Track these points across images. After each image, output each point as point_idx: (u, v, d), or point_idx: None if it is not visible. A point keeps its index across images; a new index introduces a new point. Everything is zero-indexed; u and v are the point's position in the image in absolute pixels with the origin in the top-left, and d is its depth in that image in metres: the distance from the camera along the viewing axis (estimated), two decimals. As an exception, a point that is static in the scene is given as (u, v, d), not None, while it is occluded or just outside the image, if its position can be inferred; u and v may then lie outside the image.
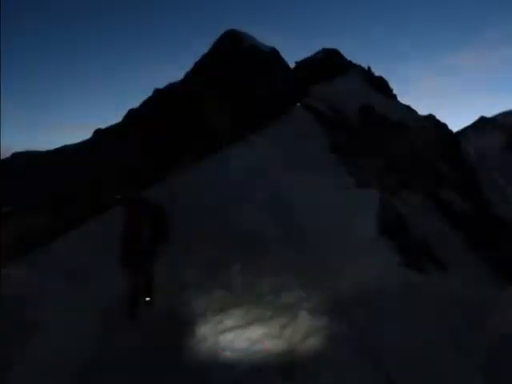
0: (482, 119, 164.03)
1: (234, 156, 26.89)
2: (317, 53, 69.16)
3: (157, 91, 56.52)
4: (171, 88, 54.28)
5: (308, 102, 45.71)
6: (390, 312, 6.64)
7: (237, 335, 7.58)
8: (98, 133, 53.54)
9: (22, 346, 9.39)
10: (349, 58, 70.59)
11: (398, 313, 6.53)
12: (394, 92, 71.29)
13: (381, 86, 65.16)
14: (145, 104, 55.72)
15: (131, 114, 53.40)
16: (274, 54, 59.02)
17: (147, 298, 9.93)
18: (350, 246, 11.72)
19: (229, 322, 8.25)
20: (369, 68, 68.61)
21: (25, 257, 19.83)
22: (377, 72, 66.35)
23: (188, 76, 56.27)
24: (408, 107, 69.03)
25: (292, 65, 65.62)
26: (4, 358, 8.91)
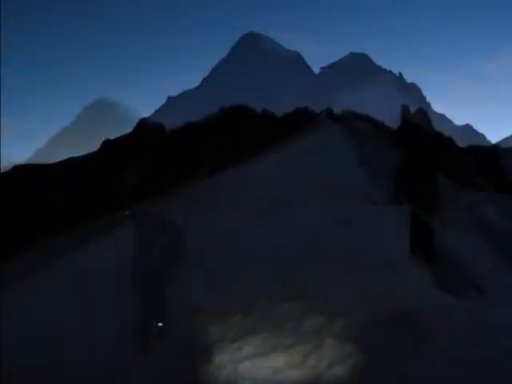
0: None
1: (256, 171, 26.92)
2: (344, 57, 69.28)
3: (170, 99, 57.07)
4: (187, 95, 54.82)
5: (334, 110, 45.76)
6: (422, 339, 6.62)
7: (257, 363, 7.58)
8: (107, 144, 54.05)
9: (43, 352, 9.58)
10: (379, 63, 70.80)
11: (431, 339, 6.51)
12: (428, 100, 71.24)
13: (413, 93, 65.03)
14: (158, 112, 56.30)
15: (143, 124, 53.92)
16: (297, 58, 59.35)
17: (160, 324, 9.93)
18: (378, 266, 11.65)
19: (248, 349, 8.23)
20: (400, 74, 68.81)
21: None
22: (408, 78, 66.21)
23: (205, 82, 56.79)
24: (443, 116, 68.84)
25: (317, 70, 65.92)
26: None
